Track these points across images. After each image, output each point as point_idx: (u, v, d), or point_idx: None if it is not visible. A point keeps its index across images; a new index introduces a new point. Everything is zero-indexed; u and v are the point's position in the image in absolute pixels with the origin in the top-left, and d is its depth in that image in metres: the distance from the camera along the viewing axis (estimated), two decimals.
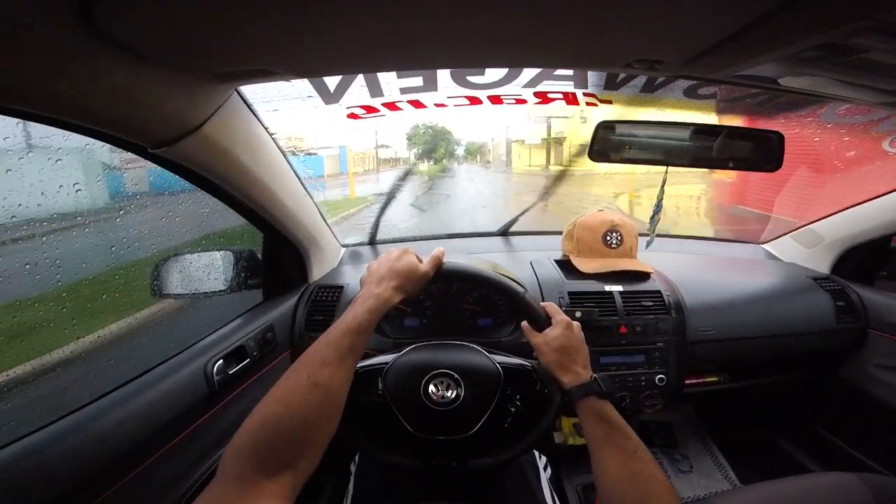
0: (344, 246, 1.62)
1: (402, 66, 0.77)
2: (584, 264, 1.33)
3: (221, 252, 1.19)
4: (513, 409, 0.88)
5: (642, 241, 1.36)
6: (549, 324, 0.84)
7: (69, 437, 0.67)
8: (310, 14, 0.49)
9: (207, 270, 1.16)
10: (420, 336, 1.16)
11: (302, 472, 0.55)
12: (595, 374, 0.78)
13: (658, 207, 1.06)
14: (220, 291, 1.17)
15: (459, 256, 0.88)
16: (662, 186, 1.02)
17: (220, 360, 0.97)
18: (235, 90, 0.81)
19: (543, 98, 0.99)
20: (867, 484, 0.73)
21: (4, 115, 0.55)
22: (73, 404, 0.74)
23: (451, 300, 1.29)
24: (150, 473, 0.78)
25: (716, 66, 0.70)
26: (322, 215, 1.37)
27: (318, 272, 1.40)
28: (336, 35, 0.56)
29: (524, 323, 0.87)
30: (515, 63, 0.77)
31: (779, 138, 0.92)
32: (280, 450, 0.54)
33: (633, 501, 0.64)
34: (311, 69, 0.71)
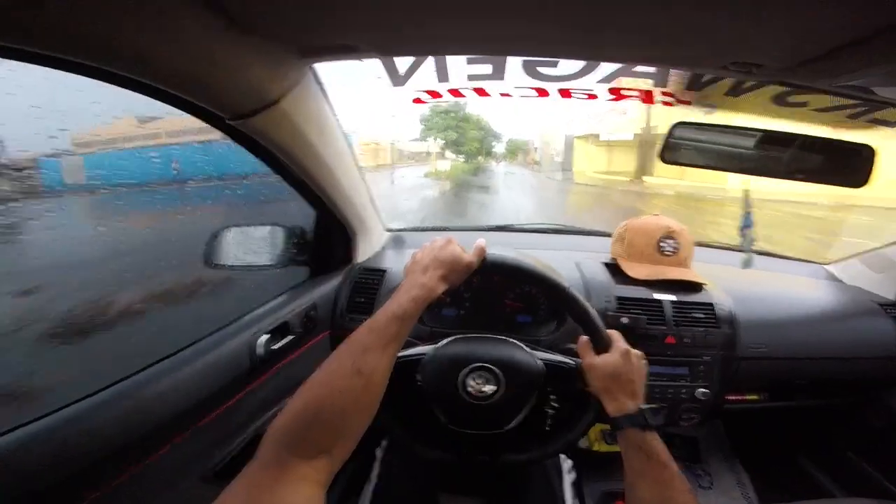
0: (388, 230, 1.63)
1: (492, 50, 0.74)
2: (634, 270, 1.29)
3: (274, 227, 1.21)
4: (551, 408, 0.87)
5: (731, 257, 1.30)
6: (608, 348, 0.81)
7: (115, 404, 0.69)
8: None
9: (259, 243, 1.18)
10: (456, 327, 1.16)
11: (338, 458, 0.55)
12: (643, 406, 0.75)
13: (748, 221, 1.00)
14: (269, 266, 1.19)
15: (504, 249, 0.87)
16: (747, 197, 0.97)
17: (266, 336, 0.98)
18: (311, 68, 0.80)
19: (617, 94, 0.95)
20: None
21: (92, 76, 0.56)
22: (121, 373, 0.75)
23: (490, 293, 1.28)
24: (184, 447, 0.79)
25: (819, 74, 0.65)
26: (371, 198, 1.37)
27: (362, 254, 1.41)
28: (424, 14, 0.55)
29: (583, 338, 0.85)
30: (603, 57, 0.74)
31: (870, 152, 0.86)
32: (320, 434, 0.54)
33: None
34: (393, 48, 0.70)
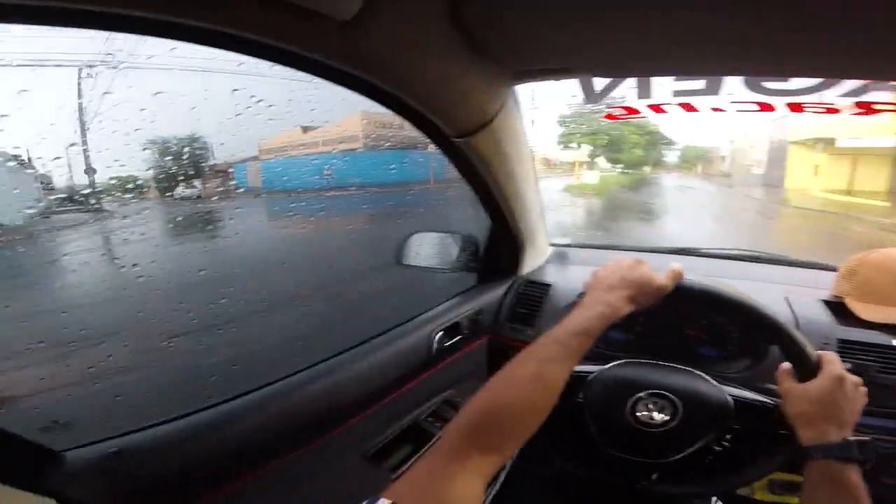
0: (551, 245, 1.62)
1: (710, 72, 0.70)
2: (866, 311, 1.06)
3: (453, 234, 1.31)
4: (720, 447, 0.79)
5: None
6: (816, 373, 0.71)
7: (308, 386, 0.81)
8: (626, 13, 0.47)
9: (438, 248, 1.29)
10: (622, 350, 1.08)
11: (507, 457, 0.58)
12: (851, 438, 0.65)
13: None
14: (445, 270, 1.29)
15: (697, 276, 0.79)
16: None
17: (441, 332, 1.06)
18: (513, 89, 0.85)
19: (867, 109, 0.79)
20: None
21: (353, 89, 0.65)
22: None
23: (668, 320, 1.17)
24: (355, 428, 0.88)
25: None
26: (542, 212, 1.38)
27: (528, 266, 1.43)
28: (645, 37, 0.54)
29: (785, 364, 0.75)
30: (839, 75, 0.63)
31: None
32: (497, 433, 0.57)
33: None
34: (607, 70, 0.70)
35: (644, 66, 0.68)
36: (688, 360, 1.09)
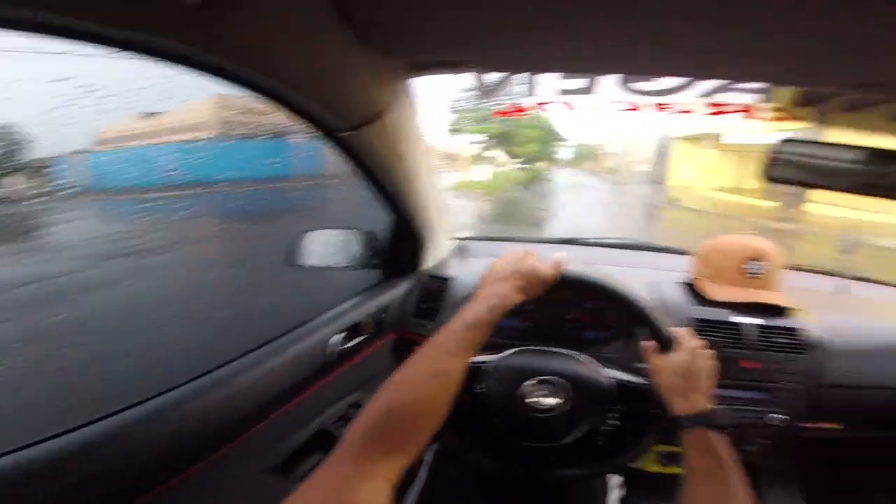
0: (454, 238, 1.64)
1: (602, 69, 0.74)
2: (716, 291, 1.23)
3: (351, 231, 1.25)
4: (608, 427, 0.86)
5: (810, 281, 1.21)
6: (674, 347, 0.80)
7: (192, 401, 0.73)
8: (525, 9, 0.48)
9: (336, 246, 1.22)
10: (518, 339, 1.14)
11: (411, 458, 0.57)
12: (713, 407, 0.74)
13: (847, 245, 0.93)
14: (345, 268, 1.23)
15: (579, 265, 0.86)
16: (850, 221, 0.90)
17: (340, 335, 1.01)
18: (408, 83, 0.82)
19: (718, 110, 0.91)
20: None
21: (222, 78, 0.57)
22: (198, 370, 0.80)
23: (555, 307, 1.26)
24: (256, 439, 0.83)
25: None
26: (442, 207, 1.39)
27: (431, 261, 1.42)
28: (542, 32, 0.55)
29: (648, 342, 0.84)
30: (732, 76, 0.71)
31: None
32: (400, 434, 0.56)
33: None
34: (502, 64, 0.70)
35: (537, 63, 0.70)
36: (575, 344, 1.17)
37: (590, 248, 1.73)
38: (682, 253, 1.45)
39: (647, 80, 0.85)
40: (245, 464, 0.83)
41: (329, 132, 0.75)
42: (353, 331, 1.08)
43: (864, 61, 0.55)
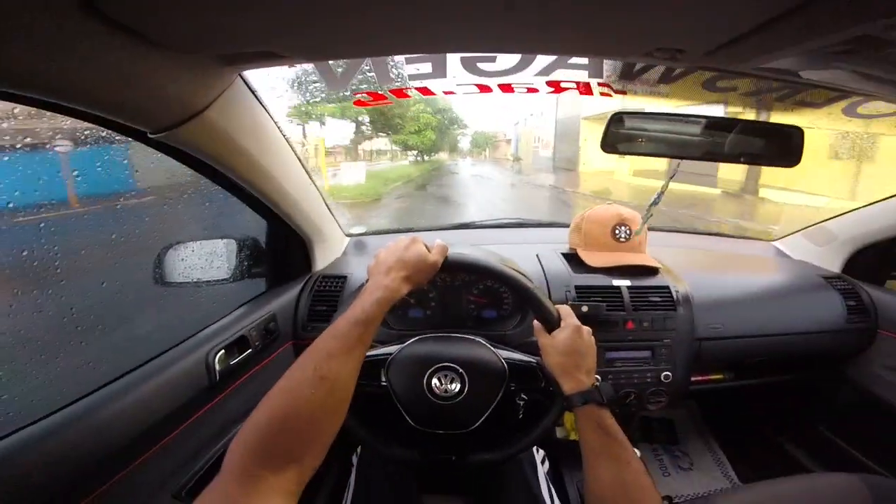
0: (348, 235, 1.61)
1: (414, 49, 0.74)
2: (591, 258, 1.31)
3: (224, 240, 1.18)
4: (517, 406, 0.88)
5: (671, 240, 1.32)
6: (559, 325, 0.83)
7: (65, 430, 0.66)
8: None
9: (210, 259, 1.15)
10: (423, 327, 1.15)
11: (308, 467, 0.54)
12: (597, 383, 0.77)
13: (656, 199, 1.04)
14: (223, 280, 1.16)
15: (465, 247, 0.87)
16: (669, 179, 1.00)
17: (222, 351, 0.95)
18: (239, 75, 0.78)
19: (556, 87, 0.96)
20: (867, 484, 0.73)
21: (6, 100, 0.53)
22: (69, 396, 0.73)
23: (455, 291, 1.28)
24: (149, 466, 0.77)
25: (739, 57, 0.67)
26: (327, 204, 1.35)
27: (322, 261, 1.39)
28: (345, 16, 0.54)
29: (535, 322, 0.86)
30: (532, 49, 0.74)
31: (799, 133, 0.89)
32: (286, 444, 0.53)
33: None
34: (318, 52, 0.68)
35: (350, 49, 0.68)
36: (477, 326, 1.20)
37: (483, 230, 1.80)
38: (566, 226, 1.53)
39: (492, 60, 0.88)
40: (148, 493, 0.77)
41: (141, 136, 0.69)
42: (239, 344, 1.02)
43: (657, 28, 0.60)
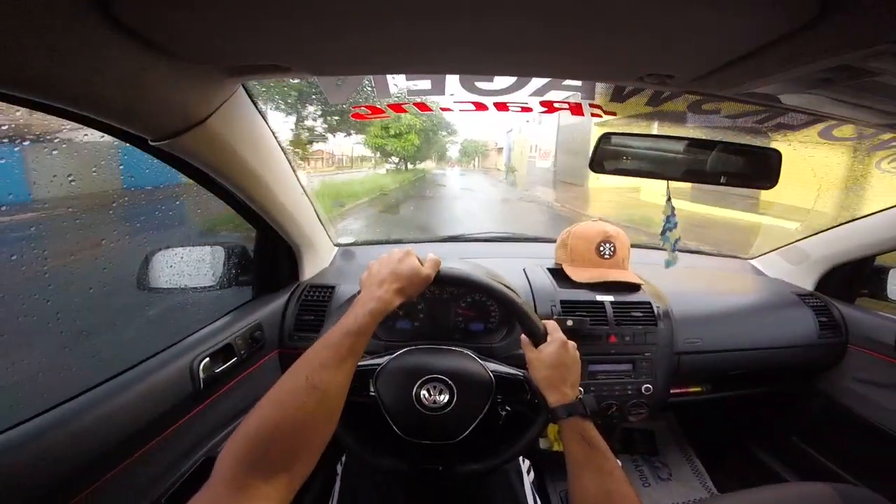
0: (337, 245, 1.60)
1: (417, 69, 0.76)
2: (577, 273, 1.34)
3: (212, 247, 1.17)
4: (502, 417, 0.89)
5: (651, 257, 1.35)
6: (546, 340, 0.84)
7: (48, 434, 0.65)
8: (330, 12, 0.48)
9: (197, 265, 1.14)
10: (411, 339, 1.15)
11: (298, 475, 0.55)
12: (581, 395, 0.79)
13: (669, 223, 1.07)
14: (209, 287, 1.14)
15: (455, 261, 0.88)
16: (669, 201, 1.03)
17: (207, 359, 0.94)
18: (242, 85, 0.79)
19: (549, 107, 1.00)
20: (838, 493, 0.76)
21: (8, 102, 0.53)
22: (52, 401, 0.71)
23: (443, 304, 1.29)
24: (131, 473, 0.76)
25: (726, 83, 0.71)
26: (318, 214, 1.35)
27: (309, 271, 1.38)
28: (354, 35, 0.55)
29: (523, 336, 0.88)
30: (528, 73, 0.77)
31: (777, 156, 0.94)
32: (276, 453, 0.53)
33: None
34: (325, 68, 0.69)
35: (353, 66, 0.70)
36: (464, 338, 1.21)
37: (472, 243, 1.83)
38: (552, 241, 1.56)
39: (489, 80, 0.91)
40: (126, 501, 0.76)
41: (143, 143, 0.69)
42: (225, 352, 1.01)
43: (648, 55, 0.63)
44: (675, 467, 1.82)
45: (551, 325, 0.87)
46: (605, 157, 0.97)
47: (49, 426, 0.66)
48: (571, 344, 0.85)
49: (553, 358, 0.81)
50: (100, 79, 0.53)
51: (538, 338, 0.85)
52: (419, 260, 0.80)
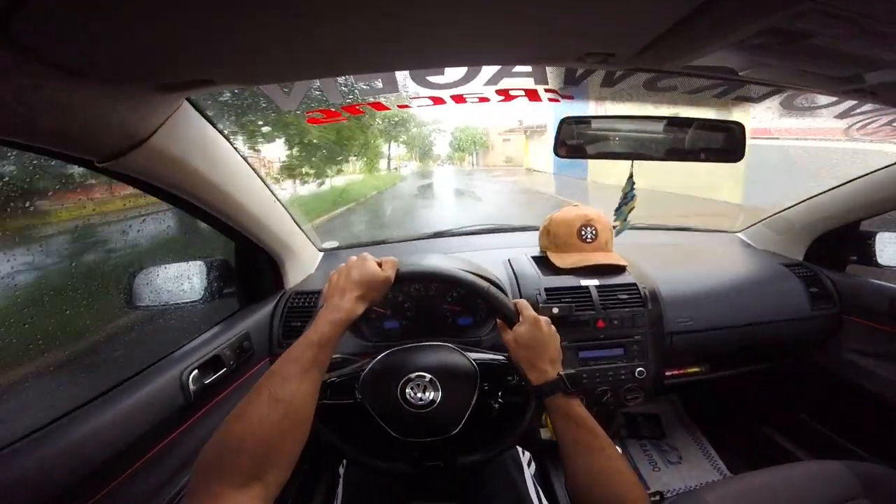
0: (322, 250, 1.62)
1: (352, 69, 0.76)
2: (560, 259, 1.33)
3: (194, 262, 1.19)
4: (495, 405, 0.88)
5: (651, 237, 1.34)
6: (518, 320, 0.84)
7: (38, 451, 0.66)
8: (247, 21, 0.48)
9: (180, 281, 1.16)
10: (399, 338, 1.16)
11: (273, 484, 0.56)
12: (562, 372, 0.78)
13: (626, 199, 1.06)
14: (194, 302, 1.16)
15: (417, 256, 0.87)
16: (630, 178, 1.02)
17: (196, 370, 0.96)
18: (187, 99, 0.79)
19: (506, 95, 0.99)
20: (853, 471, 0.74)
21: None
22: (43, 418, 0.72)
23: (429, 301, 1.29)
24: (124, 489, 0.77)
25: (666, 56, 0.69)
26: (295, 220, 1.36)
27: (294, 278, 1.39)
28: (279, 40, 0.55)
29: (498, 320, 0.87)
30: (472, 61, 0.76)
31: (741, 128, 0.92)
32: (245, 463, 0.55)
33: (601, 497, 0.67)
34: (255, 77, 0.70)
35: (286, 72, 0.69)
36: (452, 333, 1.21)
37: (459, 237, 1.82)
38: (534, 229, 1.56)
39: (440, 73, 0.90)
40: None
41: (90, 165, 0.70)
42: (213, 364, 1.03)
43: (584, 33, 0.62)
44: (684, 450, 1.79)
45: (521, 304, 0.86)
46: (568, 142, 0.96)
47: (40, 444, 0.67)
48: (544, 320, 0.84)
49: (527, 337, 0.81)
50: (25, 107, 0.54)
51: (510, 319, 0.85)
52: (378, 263, 0.80)
